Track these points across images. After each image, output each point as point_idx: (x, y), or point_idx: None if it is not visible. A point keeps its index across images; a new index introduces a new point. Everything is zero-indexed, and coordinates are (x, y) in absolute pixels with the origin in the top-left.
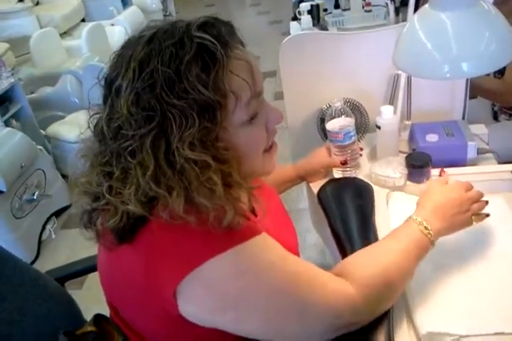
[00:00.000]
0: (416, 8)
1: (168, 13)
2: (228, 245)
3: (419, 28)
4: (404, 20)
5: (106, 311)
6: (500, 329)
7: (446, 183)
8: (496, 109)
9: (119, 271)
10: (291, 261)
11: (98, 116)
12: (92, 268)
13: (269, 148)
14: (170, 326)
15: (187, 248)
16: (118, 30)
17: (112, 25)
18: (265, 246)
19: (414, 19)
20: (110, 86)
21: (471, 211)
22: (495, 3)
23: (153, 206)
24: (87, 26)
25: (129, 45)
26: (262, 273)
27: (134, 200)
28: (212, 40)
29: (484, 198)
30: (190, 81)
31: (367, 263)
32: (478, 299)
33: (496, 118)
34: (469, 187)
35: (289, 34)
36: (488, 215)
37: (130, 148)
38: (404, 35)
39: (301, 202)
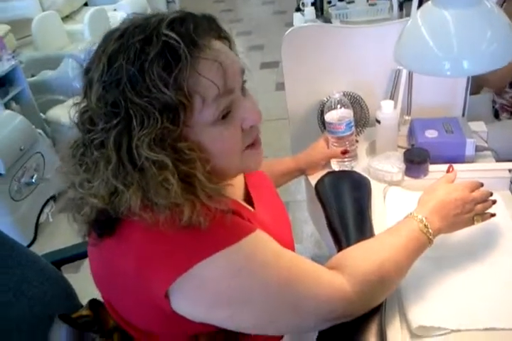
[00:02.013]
0: (420, 4)
1: (171, 0)
2: (221, 245)
3: (421, 24)
4: (408, 15)
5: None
6: (491, 324)
7: (452, 182)
8: (497, 106)
9: (109, 267)
10: (285, 256)
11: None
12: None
13: (252, 145)
14: (164, 320)
15: (179, 249)
16: (120, 16)
17: (115, 10)
18: (259, 244)
19: (417, 15)
20: (86, 77)
21: (473, 212)
22: (498, 3)
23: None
24: (90, 10)
25: (106, 38)
26: (256, 271)
27: (99, 194)
28: (178, 38)
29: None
30: (152, 79)
31: (363, 257)
32: (469, 294)
33: (496, 116)
34: (475, 187)
35: (293, 25)
36: (493, 215)
37: (96, 141)
38: (406, 30)
39: (299, 193)
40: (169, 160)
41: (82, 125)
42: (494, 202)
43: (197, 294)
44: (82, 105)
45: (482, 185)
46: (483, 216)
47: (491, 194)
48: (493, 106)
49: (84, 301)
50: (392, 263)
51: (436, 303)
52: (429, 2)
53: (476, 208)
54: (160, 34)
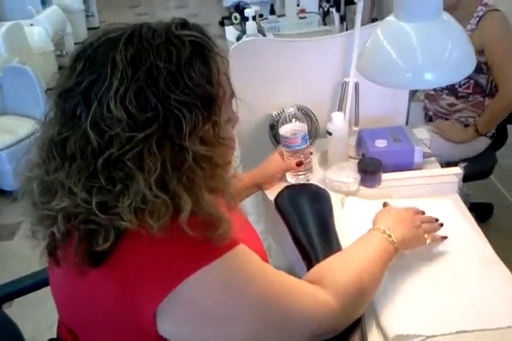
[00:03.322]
0: (343, 18)
1: (90, 14)
2: (206, 261)
3: (383, 38)
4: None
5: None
6: (462, 327)
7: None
8: (430, 113)
9: (87, 297)
10: (269, 271)
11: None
12: (25, 289)
13: None
14: None
15: (163, 267)
16: (37, 31)
17: (32, 25)
18: (244, 256)
19: (378, 30)
20: (85, 94)
21: (422, 228)
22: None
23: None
24: (4, 26)
25: (93, 50)
26: (243, 285)
27: (129, 214)
28: (200, 35)
29: (433, 201)
30: (192, 76)
31: (341, 270)
32: (438, 300)
33: (430, 121)
34: (416, 211)
35: (223, 38)
36: (444, 238)
37: (131, 153)
38: (369, 45)
39: (259, 206)
40: (217, 156)
41: (99, 144)
42: (441, 225)
43: (184, 312)
44: (87, 126)
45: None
46: (434, 236)
47: (437, 219)
48: (426, 113)
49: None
50: (368, 274)
51: (408, 312)
52: (391, 16)
53: (423, 226)
54: (179, 35)
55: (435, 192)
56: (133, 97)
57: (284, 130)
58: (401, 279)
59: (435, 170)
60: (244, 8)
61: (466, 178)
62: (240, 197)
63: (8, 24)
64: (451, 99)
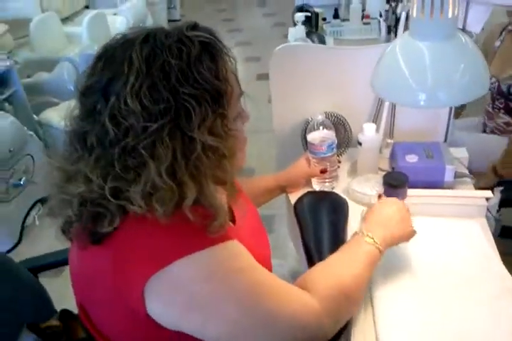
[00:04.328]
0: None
1: (172, 6)
2: (199, 246)
3: (399, 53)
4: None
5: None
6: None
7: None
8: (487, 130)
9: (88, 270)
10: (259, 270)
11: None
12: (66, 261)
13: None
14: (137, 328)
15: (157, 246)
16: (120, 21)
17: (115, 14)
18: (236, 252)
19: (396, 44)
20: (104, 90)
21: (410, 220)
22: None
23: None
24: (90, 14)
25: (112, 51)
26: (230, 278)
27: (139, 199)
28: (209, 36)
29: (460, 223)
30: (200, 72)
31: (322, 276)
32: (441, 320)
33: None
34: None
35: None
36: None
37: (145, 142)
38: (384, 58)
39: (284, 207)
40: (223, 147)
41: (116, 134)
42: None
43: (170, 294)
44: (106, 117)
45: None
46: None
47: None
48: (484, 130)
49: (64, 305)
50: (350, 277)
51: (408, 328)
52: (406, 33)
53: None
54: (190, 36)
55: (462, 213)
56: (147, 91)
57: (311, 137)
58: (408, 296)
59: (464, 191)
60: (308, 10)
61: (506, 203)
62: (263, 199)
63: (93, 12)
64: (507, 119)
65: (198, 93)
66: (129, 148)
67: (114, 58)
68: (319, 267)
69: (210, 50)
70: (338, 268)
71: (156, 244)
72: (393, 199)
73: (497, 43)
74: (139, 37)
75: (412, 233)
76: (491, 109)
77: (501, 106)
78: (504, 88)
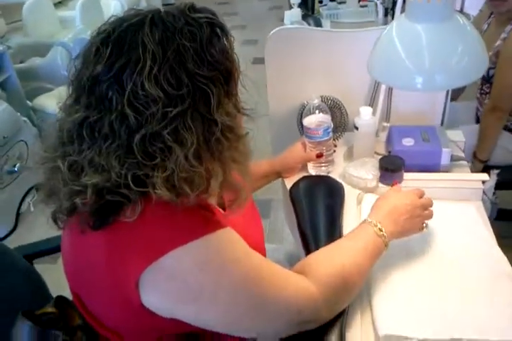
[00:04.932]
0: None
1: None
2: (192, 236)
3: (395, 36)
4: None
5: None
6: (457, 335)
7: (400, 191)
8: (479, 114)
9: (82, 259)
10: (254, 257)
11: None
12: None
13: None
14: (131, 316)
15: (151, 238)
16: (114, 5)
17: None
18: (230, 240)
19: (393, 27)
20: (117, 77)
21: (422, 217)
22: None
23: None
24: None
25: (117, 35)
26: (225, 266)
27: (165, 184)
28: (214, 17)
29: (456, 206)
30: (213, 54)
31: (325, 261)
32: (438, 305)
33: (478, 122)
34: (422, 194)
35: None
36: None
37: (169, 128)
38: (380, 41)
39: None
40: (237, 126)
41: (137, 122)
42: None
43: (166, 285)
44: (124, 106)
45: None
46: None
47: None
48: (477, 113)
49: (60, 293)
50: (353, 265)
51: (405, 312)
52: (403, 15)
53: (424, 213)
54: (196, 17)
55: (458, 196)
56: (166, 76)
57: (307, 121)
58: (405, 280)
59: (460, 175)
60: None
61: (503, 186)
62: (259, 183)
63: None
64: None
65: (213, 75)
66: (149, 134)
67: (122, 44)
68: (323, 252)
69: (217, 31)
70: (343, 255)
71: (151, 235)
72: (408, 192)
73: (484, 26)
74: (146, 20)
75: (420, 227)
76: (478, 94)
77: (488, 90)
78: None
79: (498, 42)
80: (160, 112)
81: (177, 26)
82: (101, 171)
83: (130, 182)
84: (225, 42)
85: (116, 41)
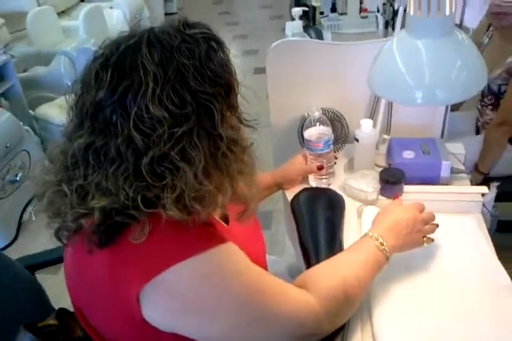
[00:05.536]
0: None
1: None
2: (193, 252)
3: (395, 51)
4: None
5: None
6: None
7: (401, 204)
8: (479, 124)
9: (86, 277)
10: (255, 271)
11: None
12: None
13: None
14: (133, 330)
15: (152, 254)
16: (116, 14)
17: (111, 8)
18: (231, 254)
19: (393, 42)
20: (121, 101)
21: (422, 232)
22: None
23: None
24: (86, 7)
25: (116, 59)
26: (226, 280)
27: (175, 204)
28: (209, 31)
29: (456, 219)
30: (212, 69)
31: (327, 274)
32: (439, 320)
33: (478, 133)
34: (422, 208)
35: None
36: (433, 240)
37: (176, 148)
38: (380, 56)
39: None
40: (241, 139)
41: (145, 145)
42: (437, 225)
43: (167, 300)
44: (131, 130)
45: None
46: (429, 239)
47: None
48: (476, 124)
49: (61, 303)
50: (354, 278)
51: (406, 327)
52: (403, 30)
53: (424, 228)
54: (191, 34)
55: (458, 209)
56: (169, 96)
57: (308, 133)
58: (405, 294)
59: (460, 187)
60: (305, 4)
61: (502, 198)
62: (261, 196)
63: (89, 6)
64: (493, 116)
65: (214, 90)
66: (157, 156)
67: (122, 66)
68: (325, 265)
69: (213, 45)
70: (344, 268)
71: (154, 252)
72: (409, 207)
73: (485, 40)
74: (142, 41)
75: (420, 242)
76: (479, 106)
77: (489, 102)
78: (495, 87)
79: (510, 59)
80: (166, 133)
81: (174, 44)
82: (108, 194)
83: (140, 204)
84: (222, 55)
85: (116, 65)
